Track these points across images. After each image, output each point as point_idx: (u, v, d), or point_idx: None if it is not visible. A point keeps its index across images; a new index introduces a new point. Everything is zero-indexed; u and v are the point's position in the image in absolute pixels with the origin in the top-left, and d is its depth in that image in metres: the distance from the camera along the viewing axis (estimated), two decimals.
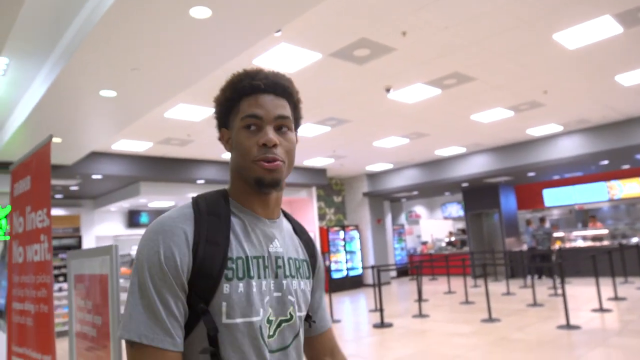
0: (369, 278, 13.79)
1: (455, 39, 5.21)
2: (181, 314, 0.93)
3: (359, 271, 14.14)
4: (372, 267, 9.19)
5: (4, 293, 3.20)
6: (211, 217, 1.01)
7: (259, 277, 1.00)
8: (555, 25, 5.03)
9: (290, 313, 1.06)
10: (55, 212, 12.46)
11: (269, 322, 1.01)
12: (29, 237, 2.49)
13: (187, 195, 11.14)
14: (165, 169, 9.94)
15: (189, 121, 7.39)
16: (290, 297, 1.06)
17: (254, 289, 0.98)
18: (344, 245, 13.90)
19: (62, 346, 5.17)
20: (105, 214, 13.51)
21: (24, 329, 2.53)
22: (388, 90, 6.68)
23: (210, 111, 6.88)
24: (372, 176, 14.39)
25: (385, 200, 15.82)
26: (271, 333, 1.01)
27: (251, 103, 1.03)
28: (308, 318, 1.17)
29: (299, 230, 1.21)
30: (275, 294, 1.04)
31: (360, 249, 14.33)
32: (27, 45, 4.78)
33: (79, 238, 12.73)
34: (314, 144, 9.69)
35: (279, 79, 1.06)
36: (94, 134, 7.02)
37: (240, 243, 1.01)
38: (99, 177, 9.38)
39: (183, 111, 6.92)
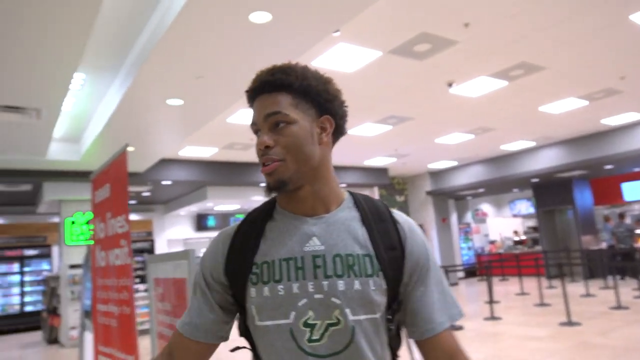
0: None
1: (522, 27, 4.96)
2: (211, 311, 1.05)
3: None
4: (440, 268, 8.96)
5: (89, 295, 3.40)
6: (248, 225, 1.07)
7: (288, 280, 0.98)
8: (632, 5, 4.66)
9: (336, 317, 0.96)
10: (130, 217, 13.16)
11: (308, 325, 0.96)
12: (110, 242, 2.62)
13: (251, 198, 11.39)
14: (230, 173, 10.22)
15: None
16: (334, 300, 0.96)
17: (281, 292, 0.97)
18: None
19: (143, 345, 5.46)
20: (175, 218, 14.12)
21: (108, 329, 2.66)
22: (450, 85, 6.49)
23: None
24: (436, 174, 14.05)
25: (450, 199, 15.40)
26: (316, 337, 0.96)
27: (253, 111, 1.04)
28: (391, 321, 1.02)
29: (377, 218, 1.05)
30: (317, 296, 0.97)
31: None
32: (100, 60, 5.07)
33: (152, 242, 13.38)
34: (375, 143, 9.59)
35: (266, 76, 1.02)
36: (163, 141, 7.34)
37: (270, 247, 1.02)
38: (168, 182, 9.80)
39: (244, 116, 7.07)
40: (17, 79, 4.59)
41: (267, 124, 1.00)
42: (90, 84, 5.63)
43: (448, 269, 8.57)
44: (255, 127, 1.03)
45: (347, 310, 0.96)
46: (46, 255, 12.61)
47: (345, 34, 4.76)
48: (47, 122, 5.82)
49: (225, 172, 10.15)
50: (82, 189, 8.71)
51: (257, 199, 11.20)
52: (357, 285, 0.97)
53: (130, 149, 7.28)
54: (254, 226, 1.05)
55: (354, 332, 0.97)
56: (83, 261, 3.98)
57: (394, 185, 14.27)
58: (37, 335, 10.68)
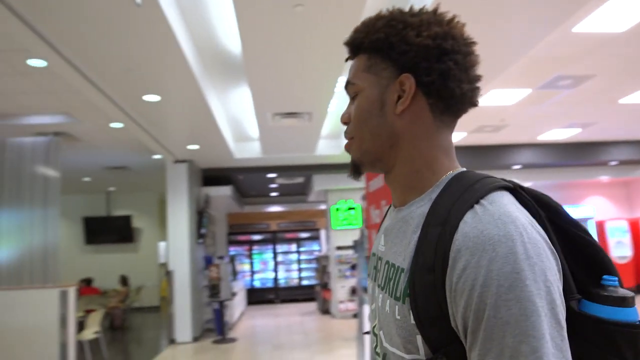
0: None
1: None
2: None
3: None
4: None
5: (366, 273, 3.84)
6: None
7: (372, 279, 0.86)
8: None
9: (378, 335, 0.79)
10: None
11: (375, 335, 0.81)
12: None
13: None
14: (479, 156, 9.99)
15: (502, 106, 7.21)
16: (381, 317, 0.78)
17: (370, 291, 0.87)
18: None
19: None
20: None
21: None
22: None
23: (524, 92, 6.56)
24: None
25: None
26: (379, 351, 0.80)
27: None
28: None
29: (439, 219, 0.68)
30: (379, 304, 0.82)
31: None
32: None
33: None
34: None
35: (347, 38, 0.86)
36: None
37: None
38: None
39: (495, 97, 6.80)
40: (295, 89, 5.45)
41: (349, 97, 0.86)
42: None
43: None
44: None
45: (381, 333, 0.77)
46: (316, 238, 14.62)
47: None
48: (317, 123, 6.72)
49: (474, 156, 9.98)
50: (344, 180, 9.75)
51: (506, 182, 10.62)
52: (387, 306, 0.75)
53: None
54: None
55: None
56: (356, 243, 4.50)
57: None
58: (311, 306, 12.46)
